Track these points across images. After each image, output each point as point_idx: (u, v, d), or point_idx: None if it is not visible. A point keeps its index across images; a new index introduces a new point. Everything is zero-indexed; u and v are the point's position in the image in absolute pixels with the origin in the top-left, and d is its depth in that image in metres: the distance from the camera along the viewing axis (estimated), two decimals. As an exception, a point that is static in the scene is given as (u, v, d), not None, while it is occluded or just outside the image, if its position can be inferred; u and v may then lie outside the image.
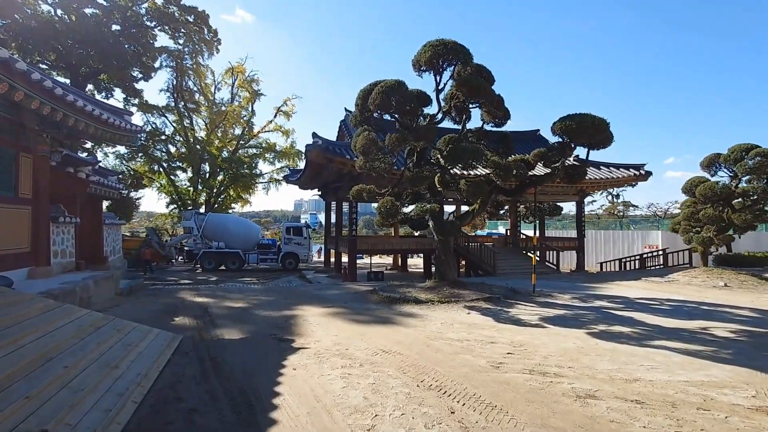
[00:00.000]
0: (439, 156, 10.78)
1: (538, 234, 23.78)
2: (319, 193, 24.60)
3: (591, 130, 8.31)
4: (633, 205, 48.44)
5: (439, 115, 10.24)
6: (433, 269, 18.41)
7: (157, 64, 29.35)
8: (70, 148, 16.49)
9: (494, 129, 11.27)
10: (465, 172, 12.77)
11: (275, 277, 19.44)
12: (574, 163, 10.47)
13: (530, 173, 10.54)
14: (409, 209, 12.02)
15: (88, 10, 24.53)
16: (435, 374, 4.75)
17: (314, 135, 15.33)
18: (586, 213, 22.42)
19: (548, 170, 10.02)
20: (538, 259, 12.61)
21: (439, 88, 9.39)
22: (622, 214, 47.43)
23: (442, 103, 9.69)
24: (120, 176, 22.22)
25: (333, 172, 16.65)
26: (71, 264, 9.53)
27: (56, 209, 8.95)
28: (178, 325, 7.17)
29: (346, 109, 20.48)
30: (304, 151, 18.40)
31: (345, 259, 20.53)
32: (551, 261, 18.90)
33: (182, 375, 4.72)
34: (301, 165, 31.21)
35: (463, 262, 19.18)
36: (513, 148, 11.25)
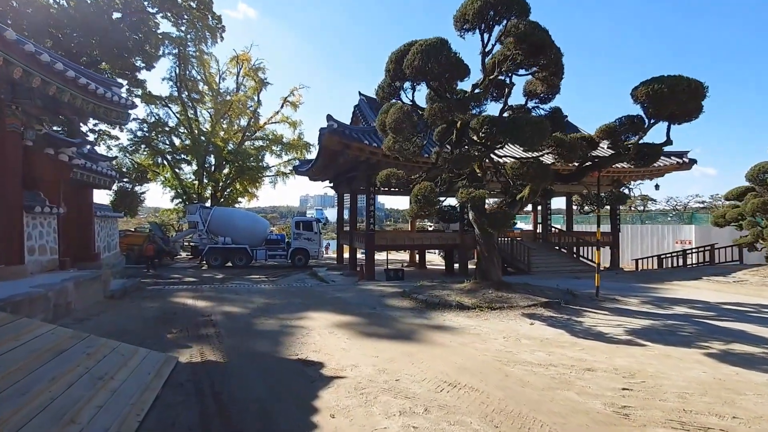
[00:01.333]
0: (474, 137, 9.20)
1: (566, 227, 22.12)
2: (331, 184, 23.12)
3: (685, 95, 6.63)
4: (651, 199, 46.29)
5: (477, 90, 8.61)
6: (456, 266, 17.09)
7: (159, 52, 28.03)
8: (69, 134, 15.14)
9: (539, 106, 9.66)
10: (507, 158, 11.18)
11: (285, 274, 18.04)
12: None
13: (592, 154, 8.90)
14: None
15: (87, -4, 23.15)
16: (541, 428, 3.22)
17: (329, 117, 13.78)
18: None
19: (612, 151, 8.38)
20: (600, 265, 10.92)
21: (487, 50, 7.75)
22: (642, 208, 45.36)
23: (488, 70, 8.03)
24: (117, 164, 20.97)
25: (348, 159, 15.14)
26: (53, 262, 8.13)
27: (33, 197, 7.53)
28: (174, 340, 5.73)
29: (360, 93, 18.94)
30: (316, 139, 16.93)
31: (359, 255, 19.09)
32: (586, 257, 17.27)
33: (173, 425, 3.27)
34: (309, 157, 29.79)
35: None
36: (564, 127, 9.63)
